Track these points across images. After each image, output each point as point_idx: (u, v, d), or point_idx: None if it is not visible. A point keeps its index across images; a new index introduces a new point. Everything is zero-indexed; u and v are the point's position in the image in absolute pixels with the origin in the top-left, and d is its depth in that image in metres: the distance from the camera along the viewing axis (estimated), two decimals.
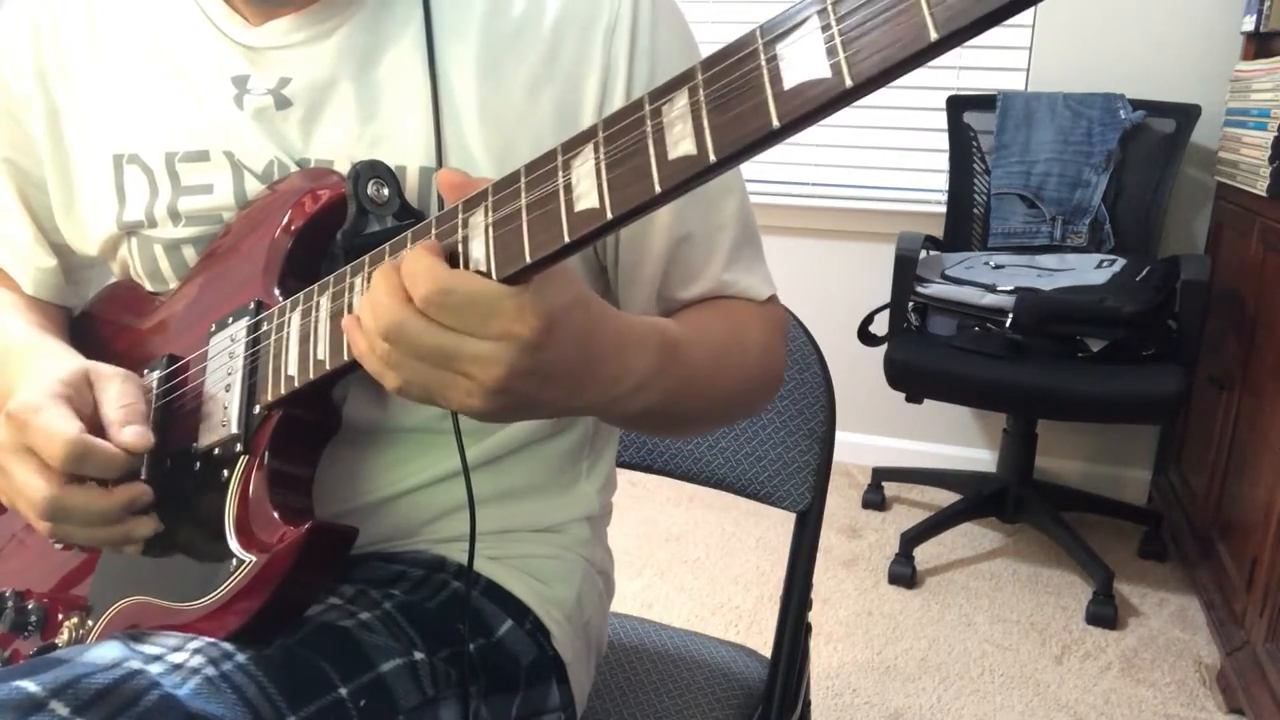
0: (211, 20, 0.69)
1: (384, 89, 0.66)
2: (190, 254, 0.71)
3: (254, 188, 0.68)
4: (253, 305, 0.63)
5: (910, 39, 0.35)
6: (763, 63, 0.38)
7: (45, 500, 0.58)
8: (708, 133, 0.40)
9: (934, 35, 0.34)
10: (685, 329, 0.63)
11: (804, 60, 0.37)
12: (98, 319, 0.79)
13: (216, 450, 0.62)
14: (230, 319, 0.64)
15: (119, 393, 0.62)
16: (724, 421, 0.89)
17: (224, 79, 0.67)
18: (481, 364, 0.47)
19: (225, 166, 0.68)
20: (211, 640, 0.56)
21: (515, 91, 0.65)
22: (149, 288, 0.74)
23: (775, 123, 0.38)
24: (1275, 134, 1.74)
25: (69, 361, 0.65)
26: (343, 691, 0.57)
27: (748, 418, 0.95)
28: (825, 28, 0.37)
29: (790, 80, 0.38)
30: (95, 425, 0.60)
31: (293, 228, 0.63)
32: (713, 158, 0.40)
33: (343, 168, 0.65)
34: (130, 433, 0.60)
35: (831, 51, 0.36)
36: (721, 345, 0.66)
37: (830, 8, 0.37)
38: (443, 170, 0.50)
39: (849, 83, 0.36)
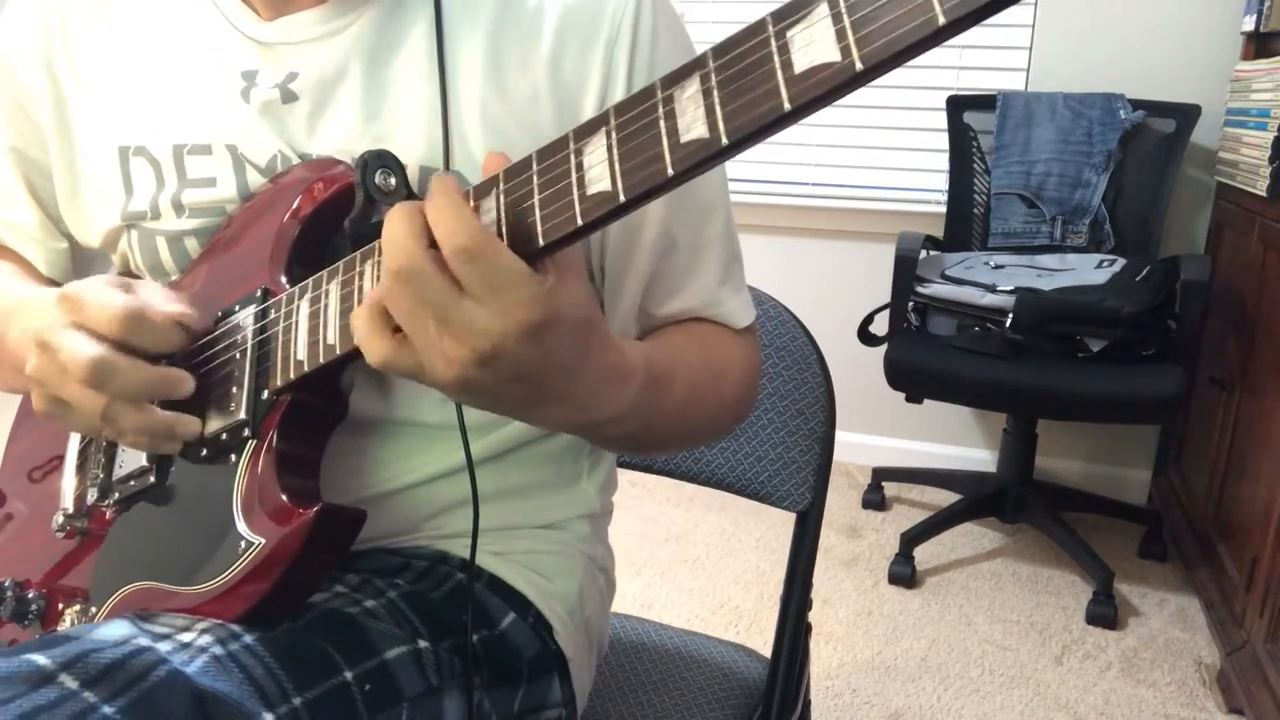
0: (225, 15, 0.69)
1: (390, 87, 0.66)
2: (193, 245, 0.71)
3: (256, 181, 0.68)
4: (259, 292, 0.63)
5: (918, 22, 0.36)
6: (774, 47, 0.39)
7: (93, 358, 0.57)
8: (720, 116, 0.40)
9: (942, 20, 0.35)
10: (668, 362, 0.62)
11: (814, 44, 0.38)
12: None
13: (224, 435, 0.62)
14: (237, 306, 0.64)
15: (164, 291, 0.64)
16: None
17: (234, 73, 0.68)
18: (474, 334, 0.46)
19: (227, 160, 0.68)
20: (219, 622, 0.56)
21: (517, 98, 0.65)
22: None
23: (787, 105, 0.39)
24: (1275, 134, 1.74)
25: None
26: (348, 675, 0.57)
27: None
28: (835, 13, 0.38)
29: (801, 64, 0.38)
30: None
31: (301, 214, 0.64)
32: (725, 140, 0.40)
33: None
34: (183, 309, 0.62)
35: (841, 35, 0.37)
36: (699, 381, 0.66)
37: None
38: (491, 153, 0.50)
39: (859, 66, 0.37)
